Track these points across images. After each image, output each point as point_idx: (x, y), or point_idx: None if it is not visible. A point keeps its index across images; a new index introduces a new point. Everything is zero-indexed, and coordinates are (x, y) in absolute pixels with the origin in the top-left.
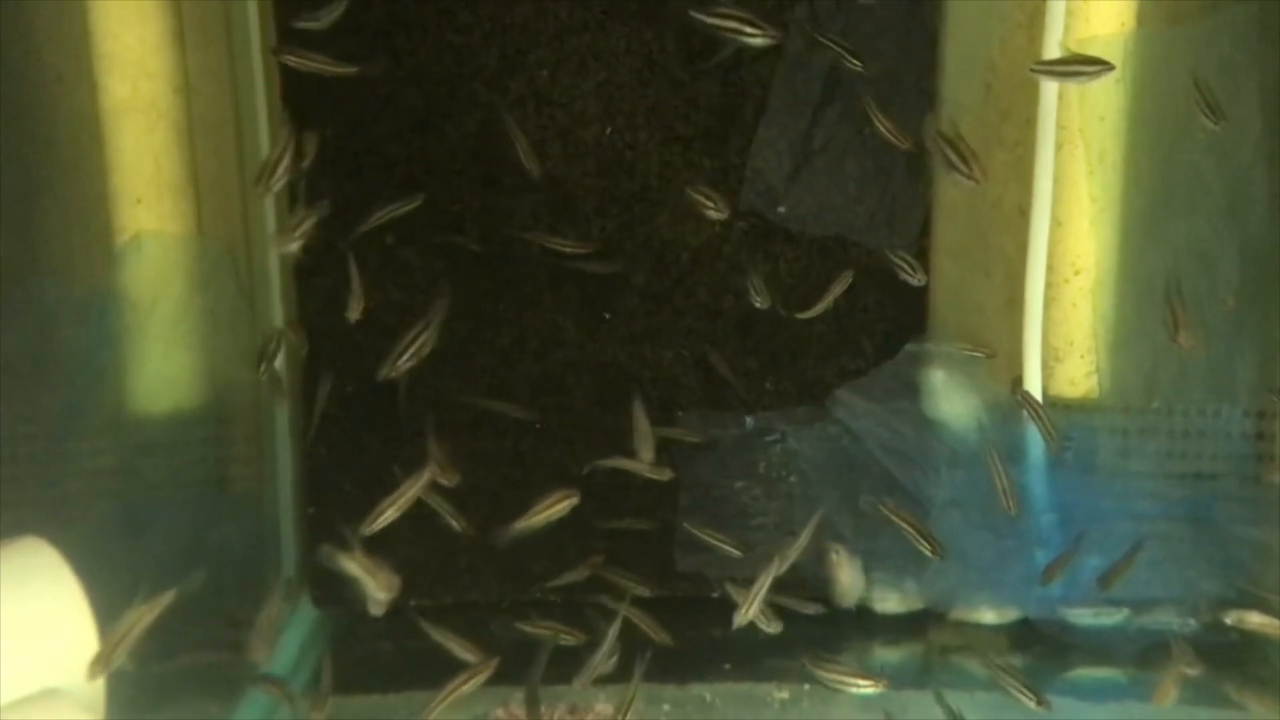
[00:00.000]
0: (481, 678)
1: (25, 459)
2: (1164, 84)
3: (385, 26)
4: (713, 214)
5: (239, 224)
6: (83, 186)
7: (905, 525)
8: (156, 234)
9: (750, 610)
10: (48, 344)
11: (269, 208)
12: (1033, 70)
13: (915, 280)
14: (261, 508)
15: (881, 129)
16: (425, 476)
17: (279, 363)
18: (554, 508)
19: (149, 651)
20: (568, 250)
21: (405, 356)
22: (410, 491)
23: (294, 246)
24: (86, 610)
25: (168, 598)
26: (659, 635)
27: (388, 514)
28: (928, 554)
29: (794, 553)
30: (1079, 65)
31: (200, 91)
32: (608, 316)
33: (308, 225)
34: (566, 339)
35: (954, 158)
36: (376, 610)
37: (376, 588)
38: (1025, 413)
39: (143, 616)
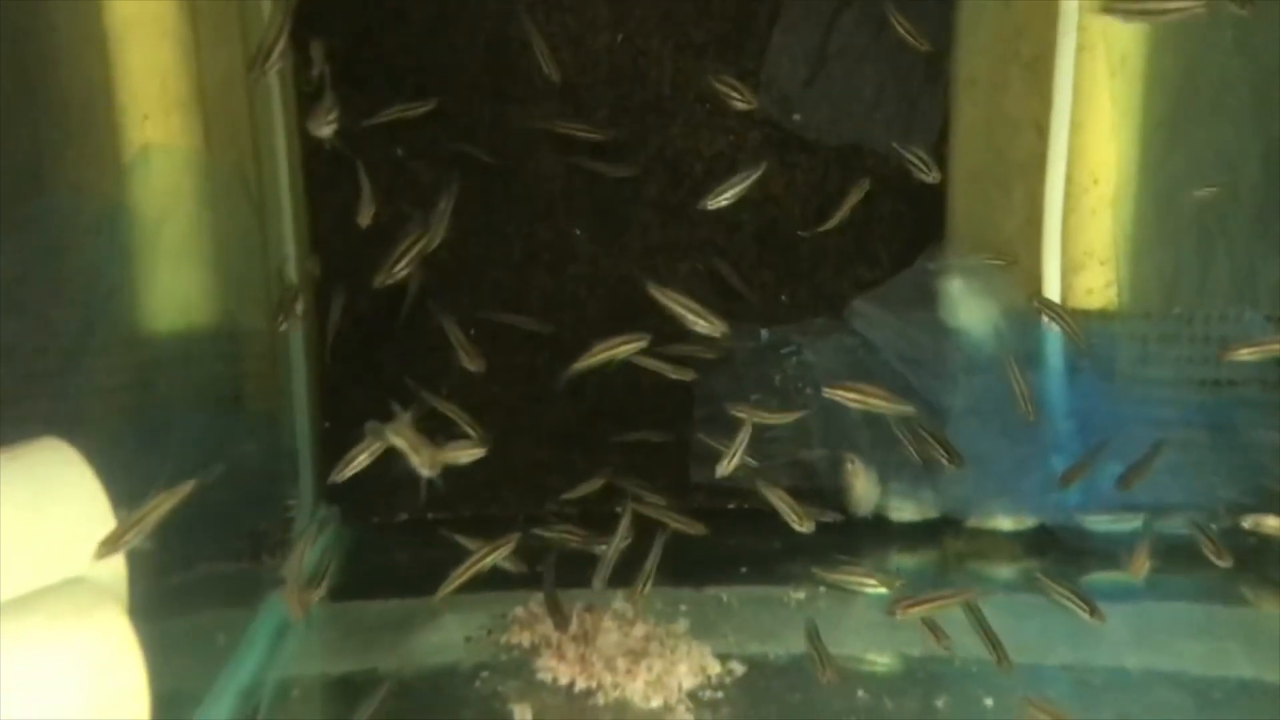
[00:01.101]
0: (503, 551)
1: (40, 373)
2: None
3: None
4: (740, 105)
5: (248, 140)
6: (91, 102)
7: (925, 437)
8: (165, 148)
9: (731, 464)
10: (59, 258)
11: (278, 124)
12: None
13: (929, 177)
14: (278, 423)
15: (900, 30)
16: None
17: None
18: (619, 349)
19: (171, 561)
20: (581, 135)
21: (401, 264)
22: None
23: (327, 131)
24: (106, 505)
25: (187, 487)
26: (693, 527)
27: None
28: (946, 463)
29: (774, 417)
30: None
31: (206, 7)
32: (578, 233)
33: (338, 112)
34: (580, 253)
35: None
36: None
37: (419, 464)
38: (1045, 319)
39: (160, 504)
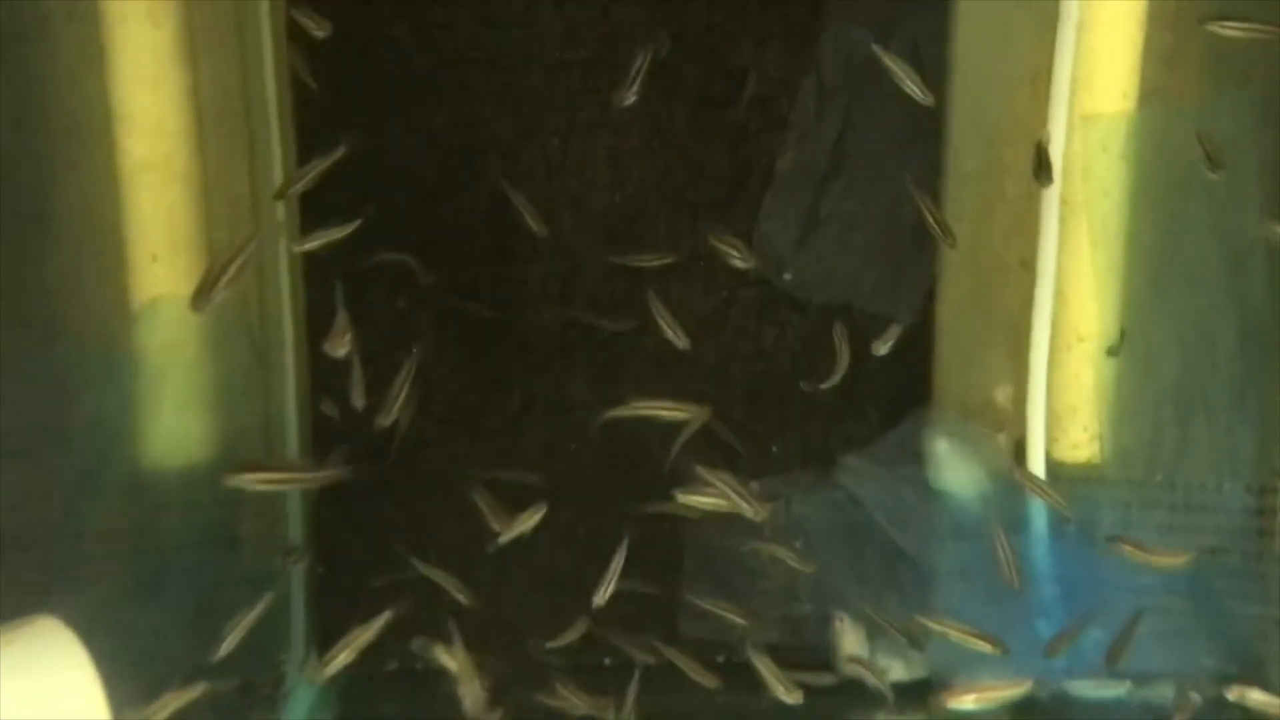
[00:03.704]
0: None
1: (39, 522)
2: (1167, 161)
3: (400, 94)
4: (739, 264)
5: (253, 284)
6: (100, 246)
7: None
8: (173, 297)
9: (605, 593)
10: (63, 408)
11: (283, 266)
12: None
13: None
14: (272, 568)
15: (930, 219)
16: None
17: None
18: (659, 411)
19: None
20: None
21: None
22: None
23: (343, 352)
24: (101, 697)
25: (196, 690)
26: (706, 678)
27: None
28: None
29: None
30: None
31: (215, 150)
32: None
33: (352, 333)
34: (576, 403)
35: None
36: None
37: (466, 696)
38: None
39: (164, 706)
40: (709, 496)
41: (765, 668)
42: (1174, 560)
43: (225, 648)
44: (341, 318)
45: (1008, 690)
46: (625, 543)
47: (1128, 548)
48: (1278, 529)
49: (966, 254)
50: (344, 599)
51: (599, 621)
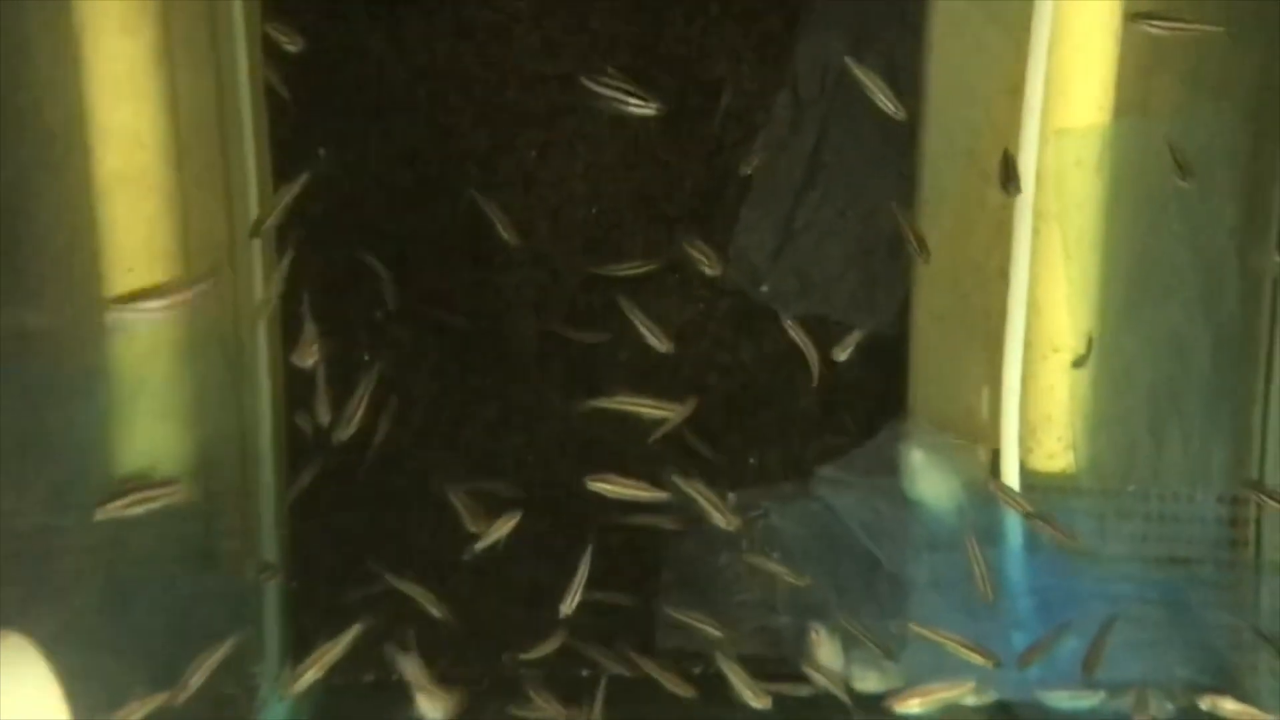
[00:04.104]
0: None
1: (10, 536)
2: (1140, 174)
3: (378, 107)
4: (709, 271)
5: (228, 295)
6: (74, 258)
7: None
8: None
9: (572, 602)
10: (36, 420)
11: (257, 278)
12: None
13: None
14: (245, 582)
15: (906, 233)
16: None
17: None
18: (641, 409)
19: None
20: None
21: None
22: None
23: (310, 363)
24: (66, 714)
25: (159, 699)
26: (682, 689)
27: None
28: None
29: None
30: None
31: (191, 162)
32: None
33: (319, 344)
34: (552, 414)
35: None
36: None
37: (425, 706)
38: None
39: (131, 714)
40: (617, 486)
41: (734, 674)
42: (1073, 544)
43: (192, 686)
44: (308, 329)
45: (950, 691)
46: (590, 551)
47: (1039, 523)
48: (1250, 539)
49: (943, 265)
50: (319, 611)
51: (575, 633)
